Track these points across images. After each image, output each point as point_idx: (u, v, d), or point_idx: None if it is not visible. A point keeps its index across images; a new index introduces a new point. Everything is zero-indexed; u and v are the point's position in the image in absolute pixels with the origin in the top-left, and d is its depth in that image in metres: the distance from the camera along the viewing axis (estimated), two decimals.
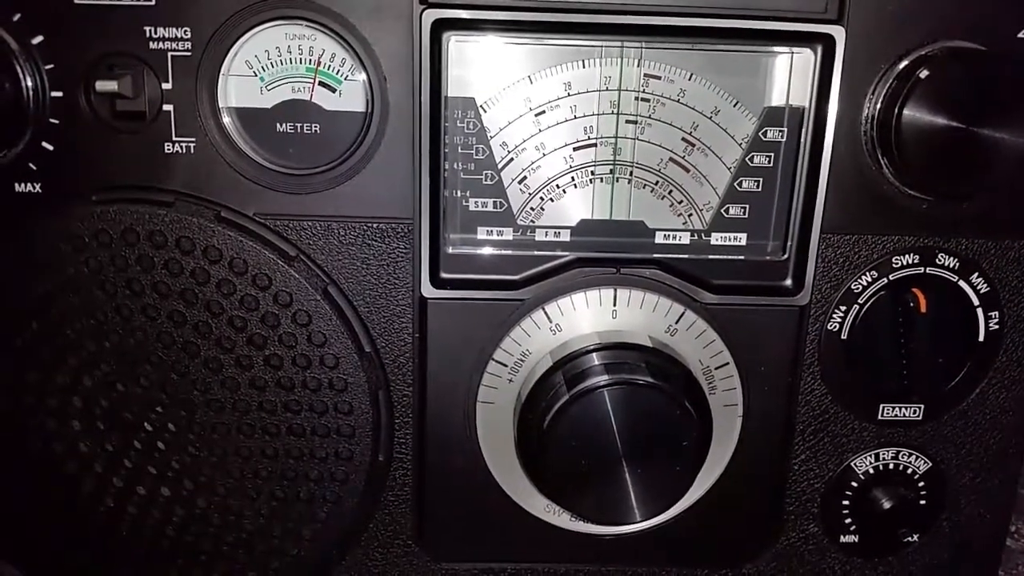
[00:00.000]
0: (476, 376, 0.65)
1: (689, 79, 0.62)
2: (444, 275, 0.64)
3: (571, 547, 0.69)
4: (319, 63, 0.60)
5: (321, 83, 0.60)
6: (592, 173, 0.64)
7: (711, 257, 0.65)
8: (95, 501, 0.65)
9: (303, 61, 0.60)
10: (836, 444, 0.69)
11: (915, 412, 0.68)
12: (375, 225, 0.62)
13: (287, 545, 0.66)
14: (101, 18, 0.58)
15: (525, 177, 0.64)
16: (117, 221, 0.60)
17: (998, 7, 0.61)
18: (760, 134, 0.63)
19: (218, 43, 0.58)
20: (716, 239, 0.65)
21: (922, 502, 0.71)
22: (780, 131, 0.63)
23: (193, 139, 0.60)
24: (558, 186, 0.64)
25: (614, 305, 0.64)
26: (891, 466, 0.70)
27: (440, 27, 0.59)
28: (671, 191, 0.64)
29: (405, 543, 0.70)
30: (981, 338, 0.67)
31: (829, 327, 0.66)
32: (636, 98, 0.62)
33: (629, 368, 0.60)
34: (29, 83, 0.58)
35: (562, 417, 0.59)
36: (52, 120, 0.59)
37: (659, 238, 0.65)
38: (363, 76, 0.60)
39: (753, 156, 0.64)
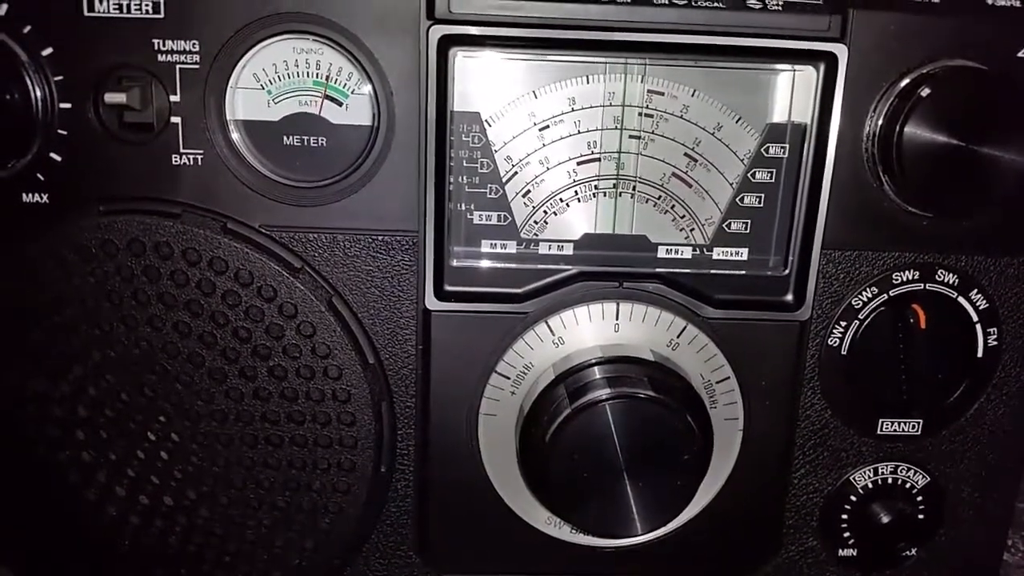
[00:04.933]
0: (479, 388, 0.65)
1: (692, 95, 0.63)
2: (448, 287, 0.64)
3: (572, 560, 0.69)
4: (328, 77, 0.60)
5: (328, 97, 0.60)
6: (595, 187, 0.64)
7: (713, 272, 0.66)
8: (98, 510, 0.65)
9: (310, 75, 0.60)
10: (835, 458, 0.70)
11: (914, 427, 0.69)
12: (380, 237, 0.63)
13: (289, 555, 0.66)
14: (110, 30, 0.58)
15: (529, 191, 0.64)
16: (124, 232, 0.60)
17: (999, 27, 0.61)
18: (762, 150, 0.64)
19: (226, 56, 0.59)
20: (718, 254, 0.66)
21: (920, 516, 0.71)
22: (782, 147, 0.64)
23: (200, 151, 0.60)
24: (561, 200, 0.64)
25: (616, 319, 0.64)
26: (890, 480, 0.70)
27: (447, 43, 0.59)
28: (673, 206, 0.65)
29: (406, 554, 0.70)
30: (980, 354, 0.67)
31: (829, 342, 0.66)
32: (639, 114, 0.63)
33: (631, 382, 0.60)
34: (38, 94, 0.58)
35: (564, 430, 0.59)
36: (60, 131, 0.59)
37: (661, 252, 0.65)
38: (369, 90, 0.60)
39: (755, 172, 0.64)
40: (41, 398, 0.63)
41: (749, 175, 0.64)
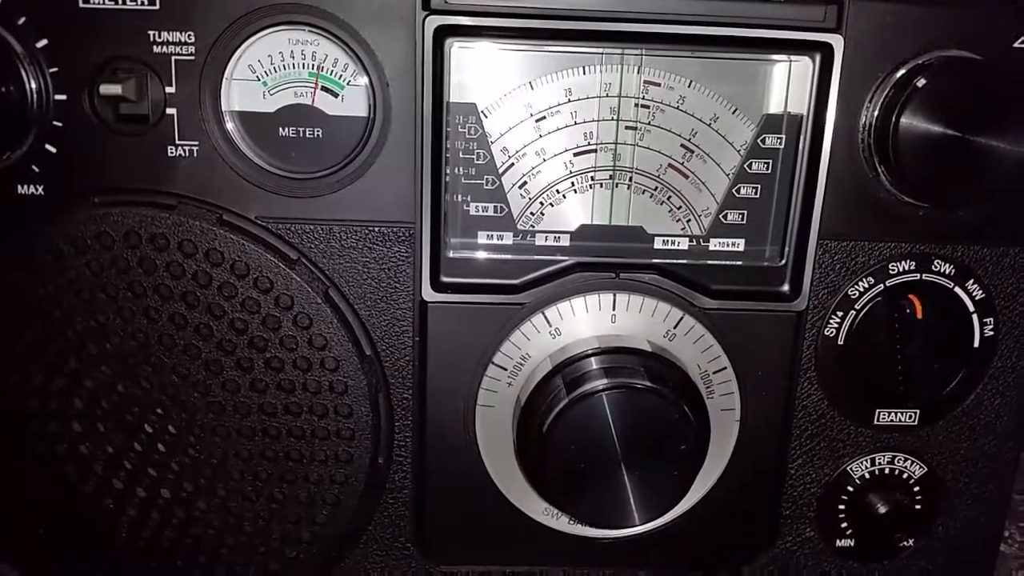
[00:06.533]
0: (476, 380, 0.65)
1: (688, 86, 0.63)
2: (444, 279, 0.64)
3: (569, 550, 0.70)
4: (320, 67, 0.60)
5: (324, 88, 0.60)
6: (592, 178, 0.64)
7: (709, 263, 0.66)
8: (95, 502, 0.65)
9: (306, 66, 0.60)
10: (832, 449, 0.70)
11: (911, 417, 0.69)
12: (376, 229, 0.63)
13: (286, 547, 0.67)
14: (105, 22, 0.58)
15: (525, 182, 0.64)
16: (119, 224, 0.60)
17: (994, 17, 0.61)
18: (758, 141, 0.64)
19: (222, 47, 0.59)
20: (714, 245, 0.66)
21: (917, 507, 0.71)
22: (778, 138, 0.64)
23: (196, 143, 0.60)
24: (558, 191, 0.64)
25: (613, 309, 0.65)
26: (887, 471, 0.70)
27: (442, 33, 0.59)
28: (670, 197, 0.65)
29: (404, 546, 0.70)
30: (976, 344, 0.67)
31: (826, 332, 0.66)
32: (636, 104, 0.63)
33: (628, 372, 0.60)
34: (33, 86, 0.58)
35: (561, 421, 0.59)
36: (56, 123, 0.59)
37: (658, 243, 0.66)
38: (365, 81, 0.60)
39: (751, 163, 0.64)
40: (38, 391, 0.62)
41: (745, 166, 0.64)
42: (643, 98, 0.63)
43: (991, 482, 0.72)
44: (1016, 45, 0.62)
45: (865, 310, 0.66)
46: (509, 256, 0.65)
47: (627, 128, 0.63)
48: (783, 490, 0.71)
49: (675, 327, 0.65)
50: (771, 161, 0.64)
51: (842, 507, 0.71)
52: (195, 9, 0.58)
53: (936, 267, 0.66)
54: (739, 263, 0.66)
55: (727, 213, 0.65)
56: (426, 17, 0.59)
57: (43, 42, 0.58)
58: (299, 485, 0.65)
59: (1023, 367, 0.69)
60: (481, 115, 0.62)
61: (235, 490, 0.65)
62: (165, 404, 0.63)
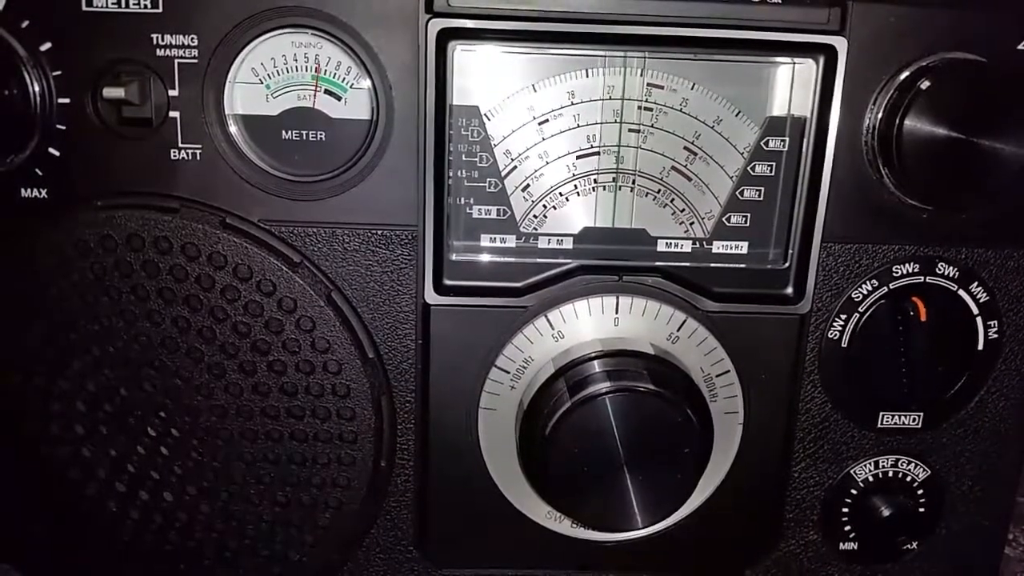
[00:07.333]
0: (478, 383, 0.65)
1: (692, 89, 0.63)
2: (447, 282, 0.64)
3: (572, 554, 0.70)
4: (319, 69, 0.60)
5: (327, 91, 0.60)
6: (595, 181, 0.64)
7: (713, 265, 0.66)
8: (98, 506, 0.65)
9: (309, 69, 0.60)
10: (836, 451, 0.70)
11: (914, 420, 0.69)
12: (379, 232, 0.63)
13: (289, 550, 0.66)
14: (109, 25, 0.58)
15: (528, 185, 0.64)
16: (122, 227, 0.60)
17: (998, 19, 0.61)
18: (762, 143, 0.64)
19: (225, 51, 0.59)
20: (718, 247, 0.66)
21: (921, 510, 0.71)
22: (782, 141, 0.64)
23: (199, 146, 0.60)
24: (561, 194, 0.64)
25: (616, 312, 0.64)
26: (890, 474, 0.70)
27: (446, 36, 0.59)
28: (673, 199, 0.65)
29: (407, 549, 0.70)
30: (980, 347, 0.67)
31: (829, 335, 0.66)
32: (639, 107, 0.63)
33: (631, 375, 0.60)
34: (36, 89, 0.58)
35: (564, 424, 0.59)
36: (59, 126, 0.59)
37: (661, 246, 0.65)
38: (368, 84, 0.60)
39: (755, 165, 0.64)
40: (41, 393, 0.62)
41: (749, 168, 0.64)
42: (646, 100, 0.63)
43: (995, 485, 0.72)
44: (1020, 47, 0.61)
45: (869, 313, 0.66)
46: (512, 259, 0.65)
47: (630, 131, 0.63)
48: (786, 493, 0.70)
49: (678, 330, 0.65)
50: (774, 164, 0.64)
51: (845, 510, 0.71)
52: (198, 12, 0.58)
53: (940, 270, 0.65)
54: (742, 266, 0.66)
55: (730, 216, 0.65)
56: (429, 20, 0.59)
57: (46, 45, 0.58)
58: (302, 488, 0.65)
59: None
60: (484, 118, 0.62)
61: (238, 493, 0.65)
62: (168, 407, 0.63)
